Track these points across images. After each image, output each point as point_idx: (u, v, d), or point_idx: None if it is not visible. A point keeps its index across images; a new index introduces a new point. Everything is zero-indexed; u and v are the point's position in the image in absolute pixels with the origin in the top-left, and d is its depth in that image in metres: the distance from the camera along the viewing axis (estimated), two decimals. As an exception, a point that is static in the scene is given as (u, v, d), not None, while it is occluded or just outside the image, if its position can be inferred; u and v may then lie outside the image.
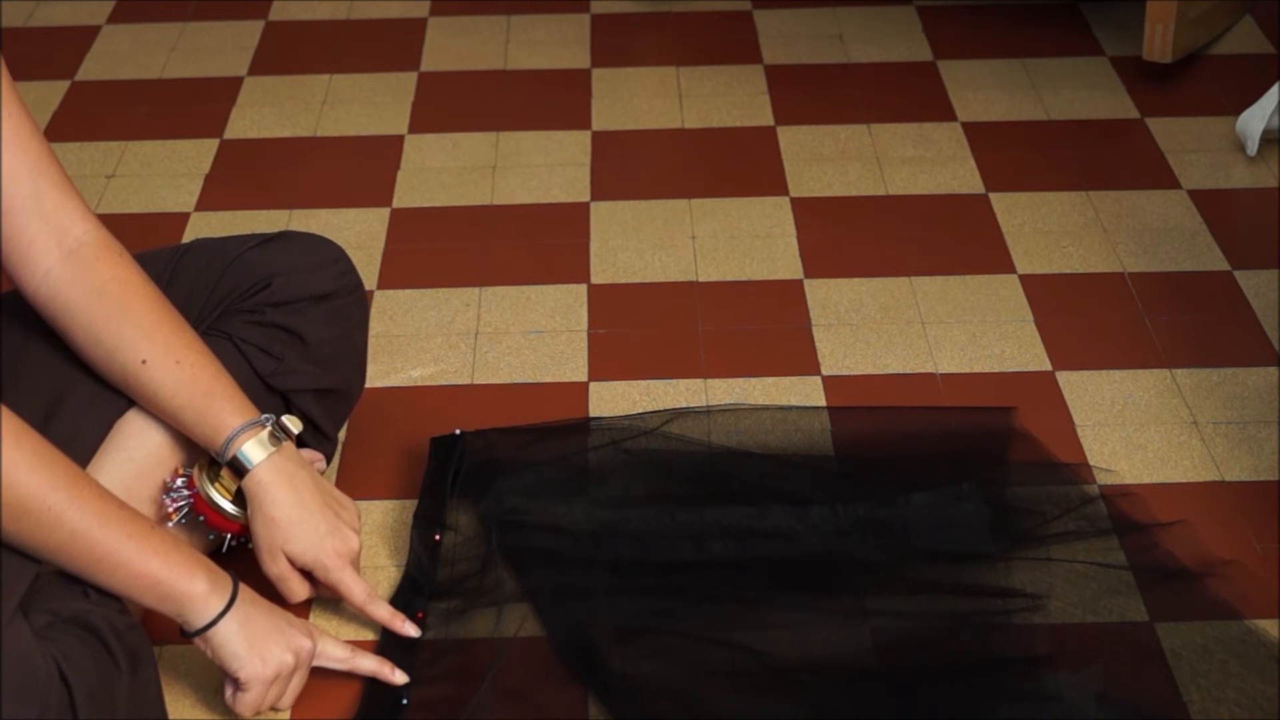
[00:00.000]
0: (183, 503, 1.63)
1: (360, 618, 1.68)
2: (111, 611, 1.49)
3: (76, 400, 1.64)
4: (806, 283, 2.21)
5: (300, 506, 1.62)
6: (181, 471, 1.66)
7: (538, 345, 2.10)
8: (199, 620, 1.50)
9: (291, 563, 1.63)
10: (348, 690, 1.60)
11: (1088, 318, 2.14)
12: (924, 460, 1.87)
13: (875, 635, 1.64)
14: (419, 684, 1.59)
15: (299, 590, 1.64)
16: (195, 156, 2.53)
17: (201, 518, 1.64)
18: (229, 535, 1.66)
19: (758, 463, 1.87)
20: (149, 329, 1.62)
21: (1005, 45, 2.83)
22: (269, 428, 1.62)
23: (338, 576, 1.63)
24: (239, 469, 1.61)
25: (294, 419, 1.67)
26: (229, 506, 1.63)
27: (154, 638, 1.60)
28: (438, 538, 1.75)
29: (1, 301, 1.69)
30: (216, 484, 1.63)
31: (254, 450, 1.61)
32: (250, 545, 1.65)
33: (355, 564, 1.65)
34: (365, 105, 2.68)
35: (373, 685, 1.59)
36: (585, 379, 2.04)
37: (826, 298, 2.18)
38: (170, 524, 1.63)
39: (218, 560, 1.56)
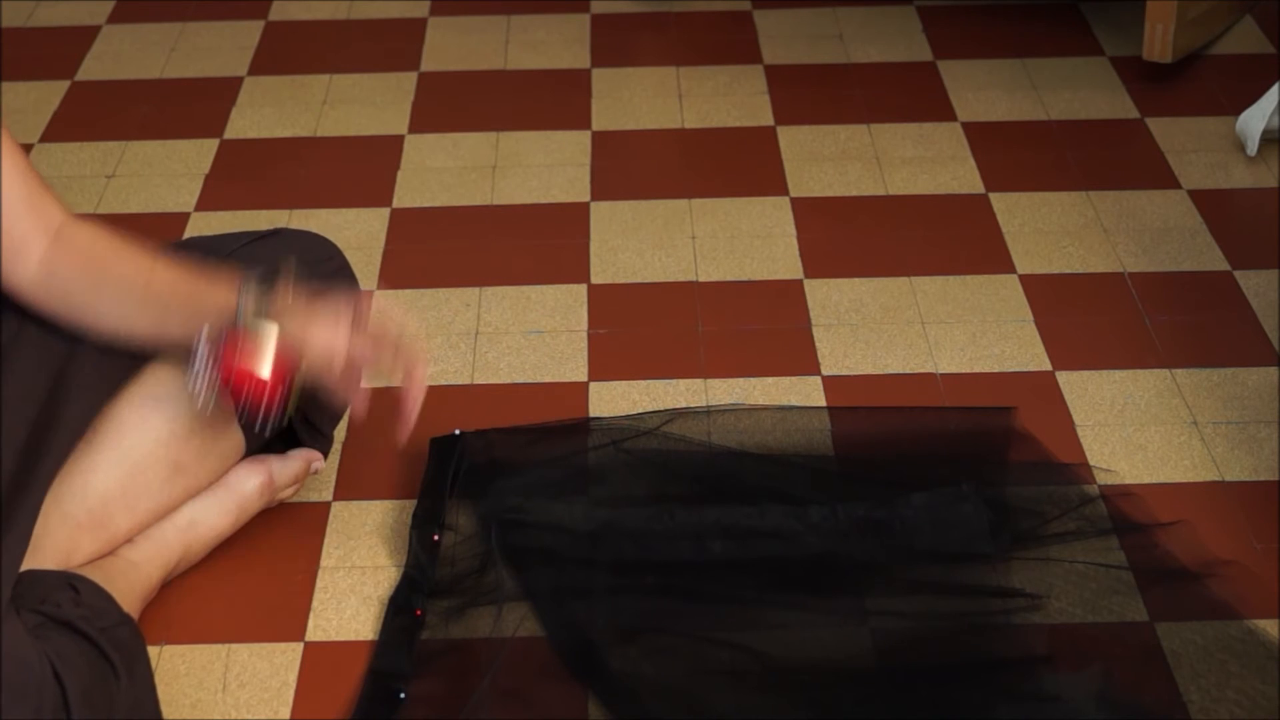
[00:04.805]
0: (205, 353, 1.59)
1: (357, 619, 1.68)
2: (101, 606, 1.49)
3: (79, 367, 1.64)
4: (806, 283, 2.21)
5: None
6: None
7: (538, 345, 2.10)
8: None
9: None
10: (346, 687, 1.60)
11: (1088, 318, 2.13)
12: (924, 460, 1.87)
13: (875, 635, 1.64)
14: (418, 682, 1.59)
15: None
16: (195, 156, 2.53)
17: (223, 365, 1.58)
18: (260, 407, 1.60)
19: (758, 463, 1.87)
20: (149, 249, 1.66)
21: (1005, 45, 2.83)
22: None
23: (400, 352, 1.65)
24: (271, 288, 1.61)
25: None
26: (267, 324, 1.59)
27: (149, 639, 1.60)
28: (436, 538, 1.75)
29: None
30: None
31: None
32: (285, 419, 1.64)
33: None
34: (365, 105, 2.67)
35: (371, 683, 1.59)
36: (585, 379, 2.04)
37: (826, 298, 2.18)
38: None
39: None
